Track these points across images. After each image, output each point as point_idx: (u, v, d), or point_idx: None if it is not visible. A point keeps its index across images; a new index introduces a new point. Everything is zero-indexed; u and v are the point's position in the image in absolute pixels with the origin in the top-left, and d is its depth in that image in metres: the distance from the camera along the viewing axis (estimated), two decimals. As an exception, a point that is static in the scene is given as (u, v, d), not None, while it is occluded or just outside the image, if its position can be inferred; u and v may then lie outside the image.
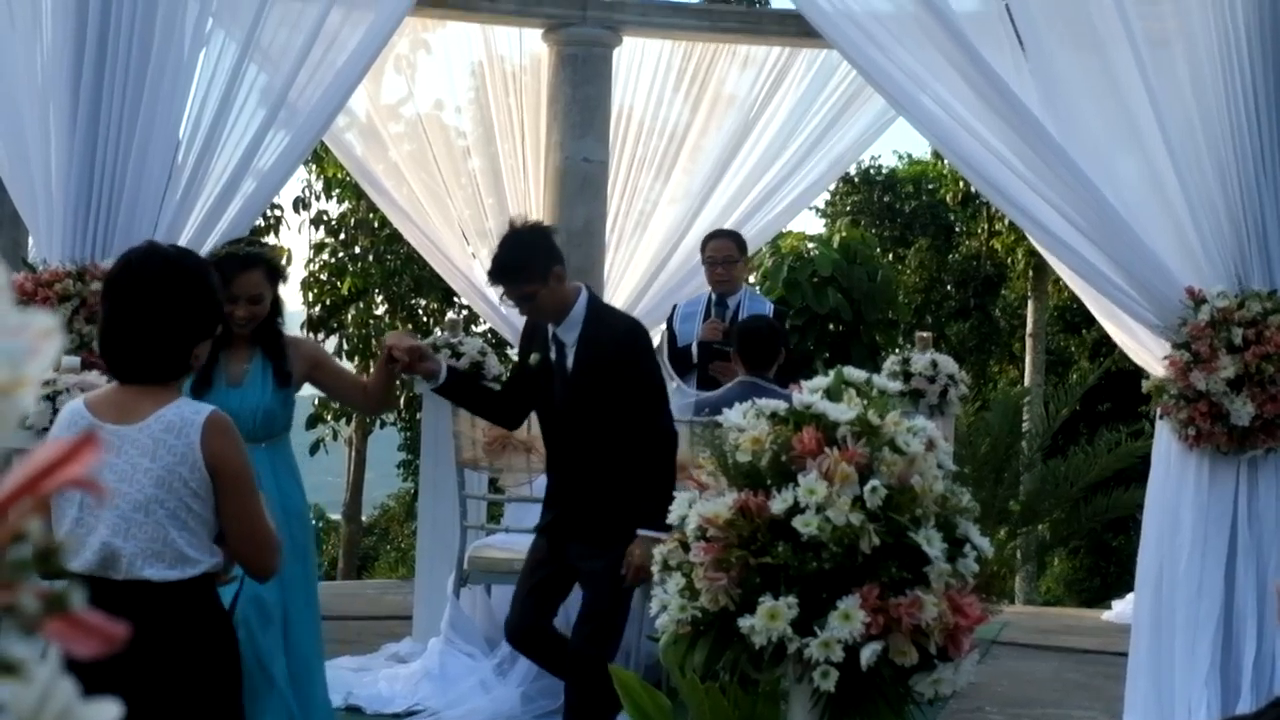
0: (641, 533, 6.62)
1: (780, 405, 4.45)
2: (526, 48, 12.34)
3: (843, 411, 4.30)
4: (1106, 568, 22.30)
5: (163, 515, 4.26)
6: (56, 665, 0.72)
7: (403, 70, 12.20)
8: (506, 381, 7.47)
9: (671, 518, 4.47)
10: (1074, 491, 14.95)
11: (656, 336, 10.60)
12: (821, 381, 4.48)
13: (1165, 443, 7.52)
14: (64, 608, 0.72)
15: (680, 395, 8.99)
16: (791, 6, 9.65)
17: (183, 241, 7.46)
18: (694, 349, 9.88)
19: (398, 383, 7.97)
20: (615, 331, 6.92)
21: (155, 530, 4.26)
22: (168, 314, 4.36)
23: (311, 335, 19.39)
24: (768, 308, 10.11)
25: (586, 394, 6.77)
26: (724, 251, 10.08)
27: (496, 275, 6.86)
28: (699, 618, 4.31)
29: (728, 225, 11.34)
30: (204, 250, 7.44)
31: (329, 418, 20.44)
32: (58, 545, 0.72)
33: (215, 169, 7.83)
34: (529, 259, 6.73)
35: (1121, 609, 11.78)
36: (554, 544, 6.99)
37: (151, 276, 4.42)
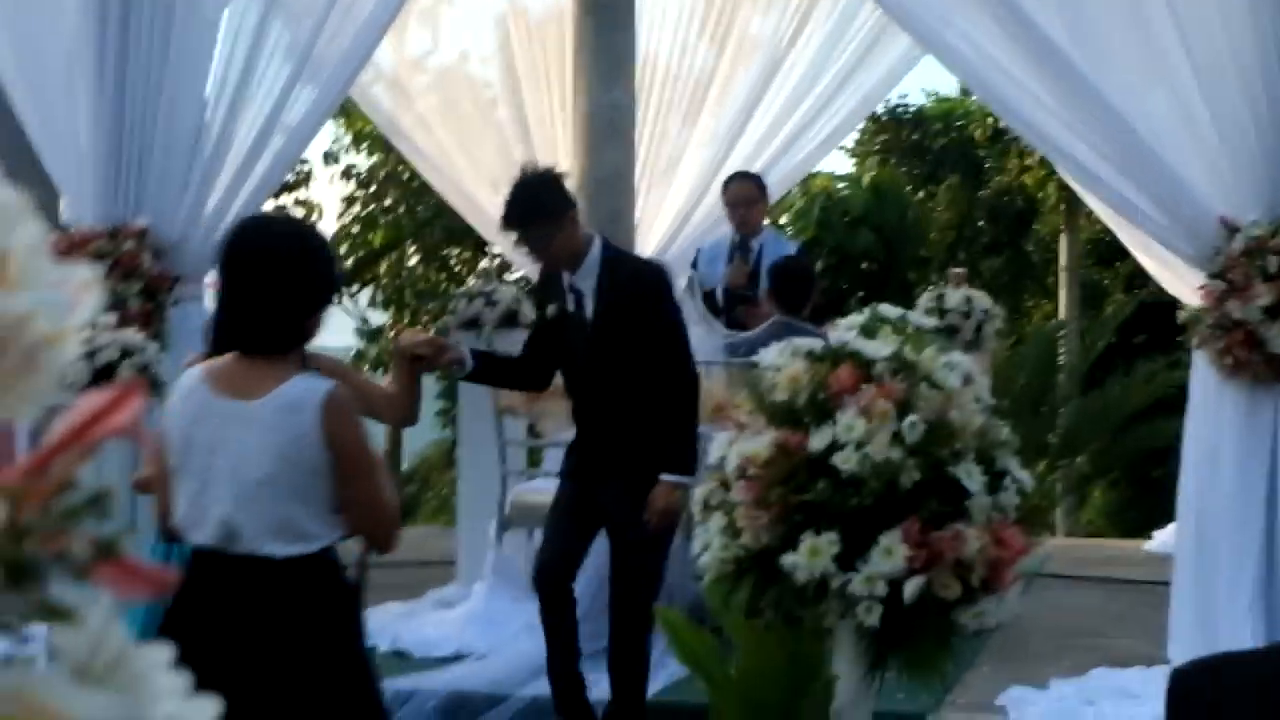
0: (665, 478, 6.62)
1: (816, 344, 4.46)
2: (549, -4, 12.33)
3: (879, 348, 4.30)
4: (1147, 498, 22.22)
5: (284, 490, 4.28)
6: (108, 611, 0.73)
7: (426, 23, 12.19)
8: (526, 341, 7.37)
9: (711, 458, 4.49)
10: (1112, 423, 14.99)
11: (689, 279, 10.61)
12: (857, 319, 4.49)
13: (1202, 373, 7.49)
14: (114, 553, 0.73)
15: (713, 337, 9.00)
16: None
17: (213, 200, 7.49)
18: (718, 292, 9.89)
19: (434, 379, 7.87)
20: (636, 275, 6.88)
21: (275, 506, 4.29)
22: (287, 283, 4.36)
23: (346, 287, 19.40)
24: (791, 249, 10.12)
25: (609, 341, 6.71)
26: (745, 193, 10.10)
27: (510, 220, 6.81)
28: (741, 556, 4.33)
29: (756, 168, 11.32)
30: (233, 212, 7.47)
31: (366, 368, 20.49)
32: (107, 492, 0.73)
33: (243, 126, 7.85)
34: (541, 201, 6.69)
35: (1163, 539, 11.76)
36: (581, 489, 7.00)
37: (270, 245, 4.46)
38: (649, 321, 6.67)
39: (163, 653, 0.74)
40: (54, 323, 0.70)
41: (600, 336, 6.73)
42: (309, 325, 4.46)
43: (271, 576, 4.29)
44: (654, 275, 6.96)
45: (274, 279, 4.35)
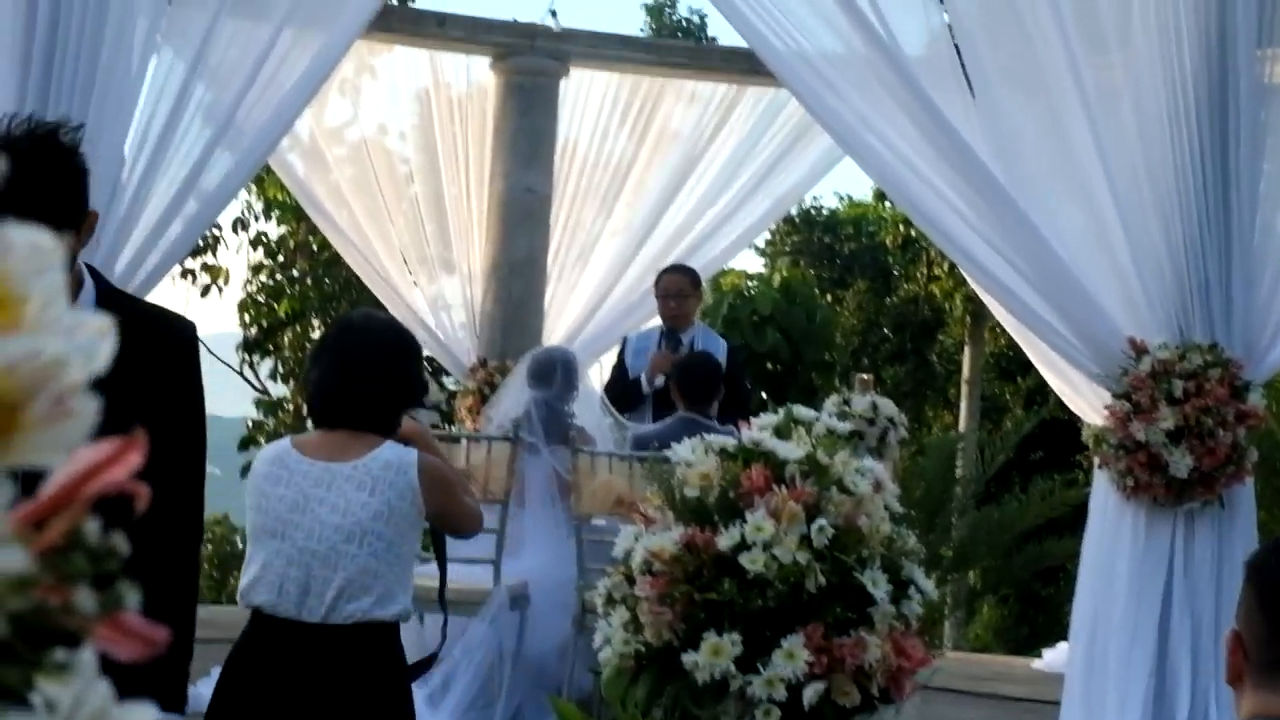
0: None
1: (729, 441, 4.44)
2: (473, 76, 12.34)
3: (792, 450, 4.28)
4: (1035, 616, 22.35)
5: (378, 547, 4.49)
6: (92, 665, 0.71)
7: (347, 93, 12.19)
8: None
9: (617, 550, 4.45)
10: (1006, 539, 15.05)
11: (601, 369, 10.61)
12: (771, 419, 4.47)
13: (1103, 492, 7.52)
14: (118, 609, 0.70)
15: (619, 429, 8.99)
16: (740, 44, 9.67)
17: (123, 260, 7.39)
18: (642, 381, 9.88)
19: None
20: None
21: (365, 563, 4.47)
22: (401, 372, 4.68)
23: (247, 356, 19.29)
24: (721, 345, 10.14)
25: None
26: (677, 285, 10.11)
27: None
28: (642, 652, 4.28)
29: (670, 261, 11.34)
30: (142, 273, 7.37)
31: (262, 440, 20.31)
32: (112, 547, 0.71)
33: (159, 188, 7.75)
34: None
35: (1052, 658, 11.79)
36: None
37: (392, 336, 4.83)
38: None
39: (144, 713, 0.72)
40: (83, 369, 0.68)
41: None
42: (401, 416, 4.75)
43: (337, 644, 4.45)
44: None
45: (392, 365, 4.65)
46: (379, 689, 4.52)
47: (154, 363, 3.75)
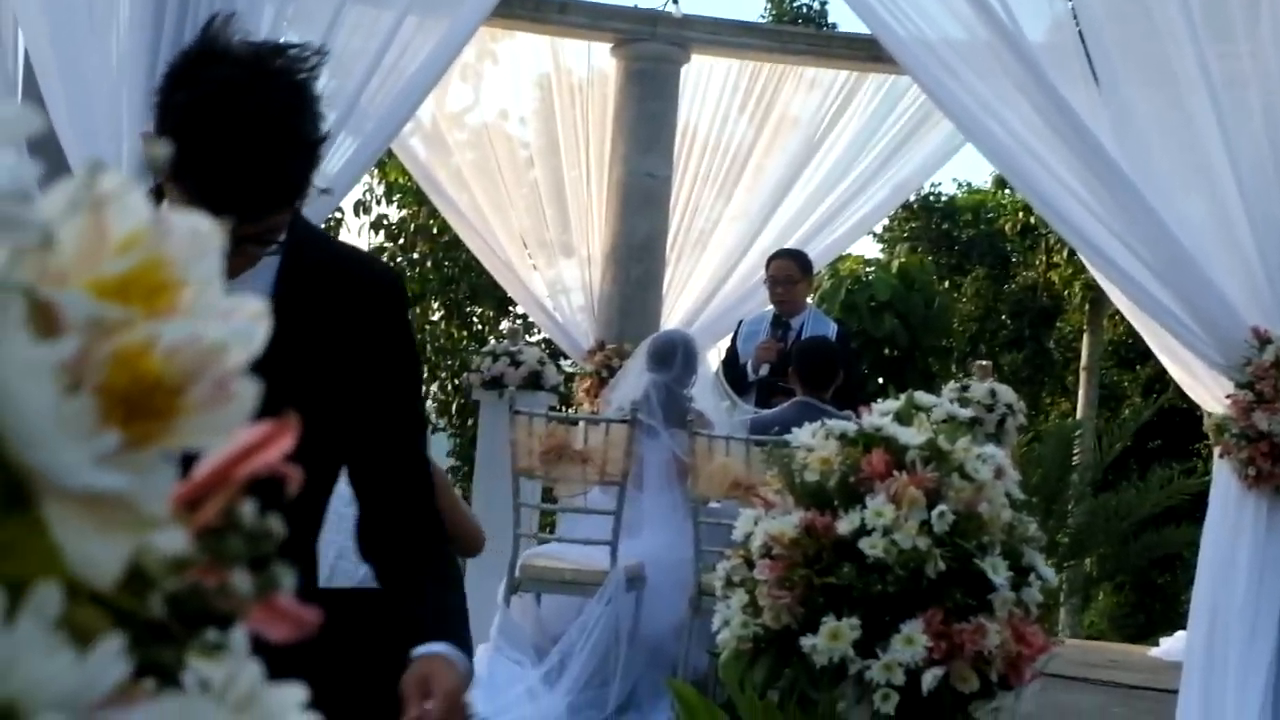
0: None
1: (849, 426, 4.45)
2: (594, 62, 12.38)
3: (913, 435, 4.29)
4: (1151, 605, 22.19)
5: None
6: (244, 646, 0.73)
7: (469, 79, 12.25)
8: None
9: (736, 534, 4.47)
10: (1123, 527, 14.91)
11: (719, 352, 10.63)
12: (892, 404, 4.48)
13: (1224, 482, 7.46)
14: (274, 590, 0.73)
15: (736, 413, 9.01)
16: (860, 30, 9.66)
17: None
18: (749, 368, 9.88)
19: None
20: None
21: None
22: None
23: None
24: (831, 329, 10.10)
25: None
26: (784, 271, 10.07)
27: None
28: (760, 635, 4.30)
29: (788, 246, 11.33)
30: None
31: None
32: (269, 529, 0.73)
33: (283, 173, 7.81)
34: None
35: (1169, 646, 11.70)
36: None
37: None
38: None
39: (296, 693, 0.74)
40: (242, 353, 0.71)
41: None
42: None
43: (351, 608, 4.36)
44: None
45: None
46: (378, 655, 4.49)
47: (363, 312, 3.25)
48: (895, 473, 4.23)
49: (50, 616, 0.65)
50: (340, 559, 4.46)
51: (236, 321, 0.72)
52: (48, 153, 7.39)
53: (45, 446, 0.65)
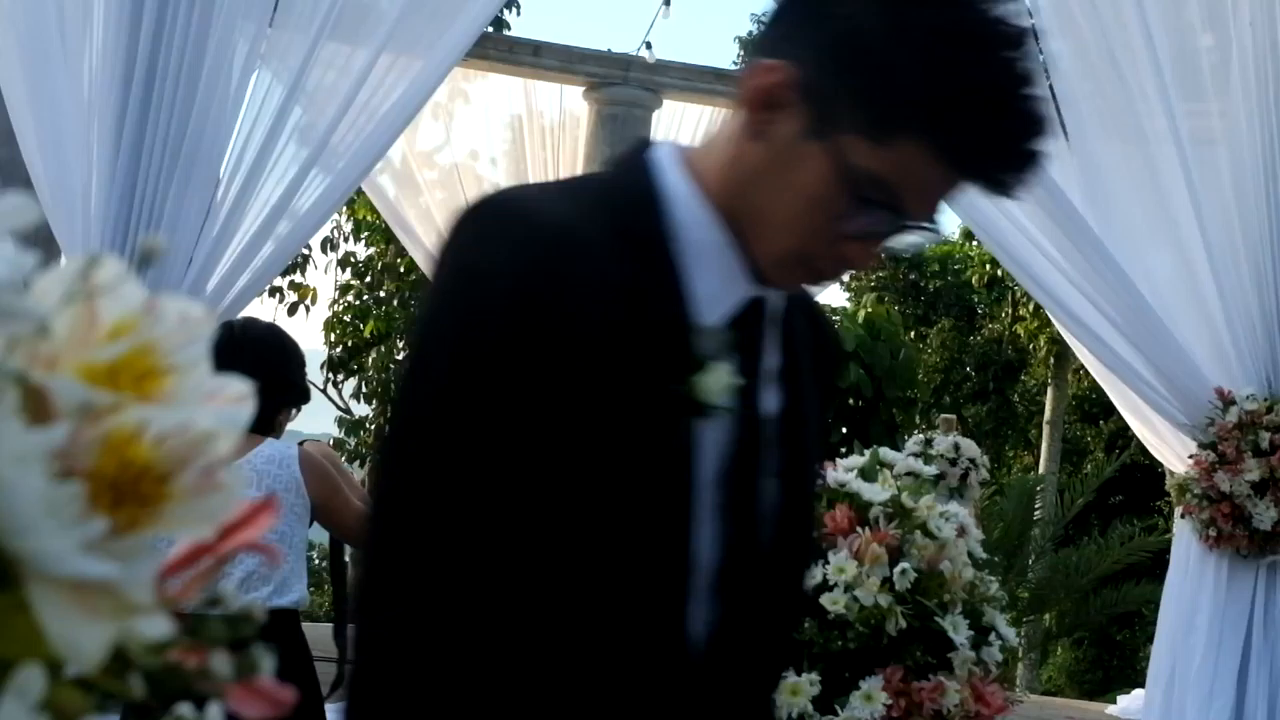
0: None
1: (814, 481, 4.45)
2: (566, 104, 12.39)
3: (877, 492, 4.30)
4: (1109, 661, 22.22)
5: (270, 539, 4.39)
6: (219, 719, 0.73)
7: (440, 118, 12.25)
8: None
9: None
10: (1083, 582, 14.94)
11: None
12: (857, 460, 4.49)
13: (1185, 542, 7.48)
14: (254, 673, 0.73)
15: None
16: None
17: (214, 280, 7.47)
18: None
19: None
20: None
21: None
22: (266, 373, 4.65)
23: (332, 375, 19.43)
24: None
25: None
26: None
27: None
28: (720, 689, 4.30)
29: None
30: (233, 293, 7.45)
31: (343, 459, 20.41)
32: (249, 613, 0.74)
33: (253, 208, 7.80)
34: None
35: (1126, 704, 11.73)
36: None
37: (253, 340, 4.95)
38: None
39: None
40: (229, 441, 0.71)
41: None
42: (278, 417, 4.93)
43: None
44: None
45: (265, 364, 4.74)
46: (286, 676, 4.46)
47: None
48: (858, 529, 4.24)
49: (33, 698, 0.65)
50: (241, 589, 4.45)
51: (222, 406, 0.72)
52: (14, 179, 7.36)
53: (33, 533, 0.64)
